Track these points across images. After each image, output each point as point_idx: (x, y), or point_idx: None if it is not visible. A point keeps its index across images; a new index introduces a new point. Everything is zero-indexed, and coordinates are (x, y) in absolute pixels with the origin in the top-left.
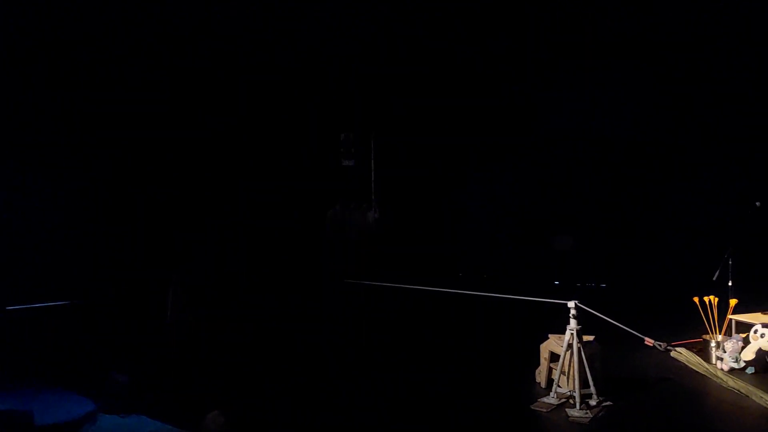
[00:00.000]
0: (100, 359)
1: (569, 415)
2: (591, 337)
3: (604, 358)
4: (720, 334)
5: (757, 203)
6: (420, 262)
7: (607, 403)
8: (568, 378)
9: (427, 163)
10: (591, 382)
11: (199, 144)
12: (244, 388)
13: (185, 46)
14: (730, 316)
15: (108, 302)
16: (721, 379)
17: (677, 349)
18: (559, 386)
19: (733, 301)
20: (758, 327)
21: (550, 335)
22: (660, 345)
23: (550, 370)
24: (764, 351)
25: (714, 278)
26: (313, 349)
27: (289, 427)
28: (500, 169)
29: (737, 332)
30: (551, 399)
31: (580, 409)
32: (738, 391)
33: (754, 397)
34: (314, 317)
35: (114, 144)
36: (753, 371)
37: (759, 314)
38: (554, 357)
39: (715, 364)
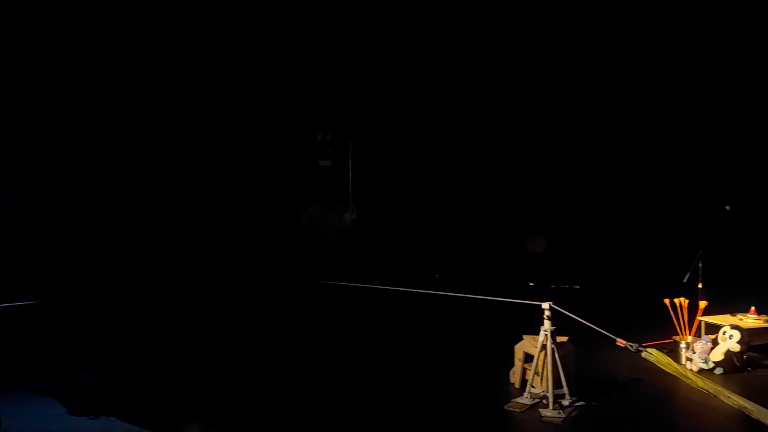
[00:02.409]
0: (68, 360)
1: (542, 415)
2: (565, 338)
3: (578, 359)
4: (690, 335)
5: (727, 207)
6: (397, 263)
7: (580, 403)
8: (541, 378)
9: (404, 165)
10: (564, 383)
11: (171, 142)
12: (219, 392)
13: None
14: (699, 318)
15: (80, 301)
16: (691, 379)
17: (648, 350)
18: (532, 387)
19: (702, 303)
20: (726, 329)
21: (524, 336)
22: (631, 346)
23: (524, 371)
24: (732, 352)
25: (684, 281)
26: (291, 351)
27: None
28: (477, 172)
29: (706, 333)
30: (525, 399)
31: (553, 409)
32: (707, 391)
33: (722, 397)
34: (291, 318)
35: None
36: (721, 372)
37: (727, 316)
38: (528, 358)
39: (685, 365)
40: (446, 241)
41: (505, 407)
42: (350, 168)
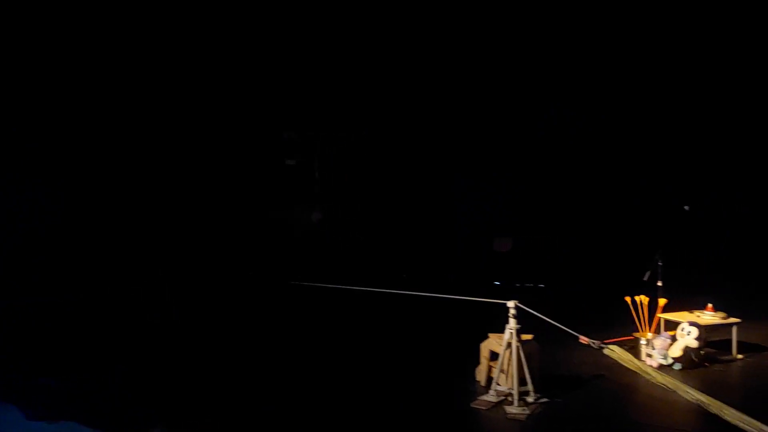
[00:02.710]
0: (28, 364)
1: (507, 412)
2: (530, 336)
3: (542, 356)
4: (650, 332)
5: (686, 207)
6: (365, 263)
7: (544, 399)
8: (507, 376)
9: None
10: (529, 380)
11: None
12: (191, 394)
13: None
14: (659, 315)
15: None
16: (651, 375)
17: (610, 346)
18: (498, 384)
19: (662, 301)
20: (685, 325)
21: (490, 334)
22: (594, 343)
23: (489, 369)
24: (690, 348)
25: (644, 279)
26: (263, 350)
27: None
28: (447, 173)
29: (666, 330)
30: (490, 397)
31: (518, 406)
32: (666, 386)
33: (680, 392)
34: (257, 318)
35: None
36: (680, 367)
37: (686, 313)
38: (494, 356)
39: (645, 361)
40: (414, 241)
41: (471, 405)
42: (317, 167)
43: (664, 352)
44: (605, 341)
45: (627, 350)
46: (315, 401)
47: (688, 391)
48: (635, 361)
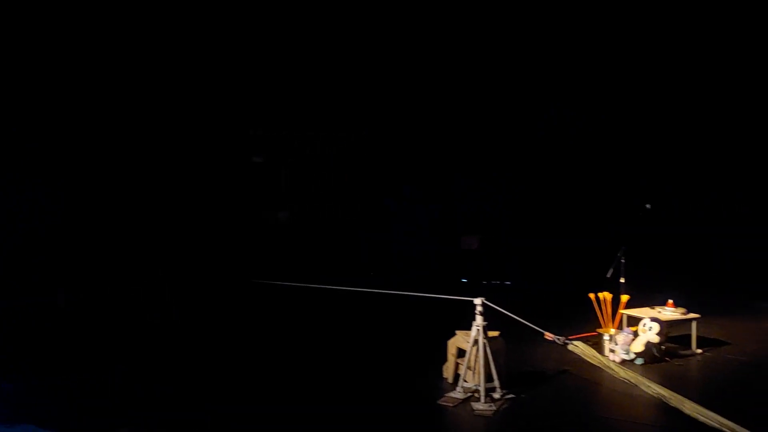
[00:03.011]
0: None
1: (474, 408)
2: (496, 333)
3: (508, 353)
4: (612, 327)
5: (647, 206)
6: (331, 261)
7: (510, 395)
8: (474, 373)
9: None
10: (495, 376)
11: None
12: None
13: None
14: (621, 311)
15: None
16: (613, 369)
17: (574, 342)
18: (465, 381)
19: (624, 297)
20: (646, 321)
21: (457, 332)
22: (559, 339)
23: (456, 366)
24: (652, 343)
25: (608, 276)
26: (222, 349)
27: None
28: (410, 172)
29: (628, 326)
30: (457, 393)
31: (484, 402)
32: (628, 380)
33: (642, 386)
34: (223, 317)
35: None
36: (642, 362)
37: (647, 309)
38: (461, 353)
39: (608, 356)
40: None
41: (438, 402)
42: (285, 166)
43: (626, 347)
44: (569, 337)
45: (590, 346)
46: (286, 399)
47: (650, 385)
48: (598, 356)
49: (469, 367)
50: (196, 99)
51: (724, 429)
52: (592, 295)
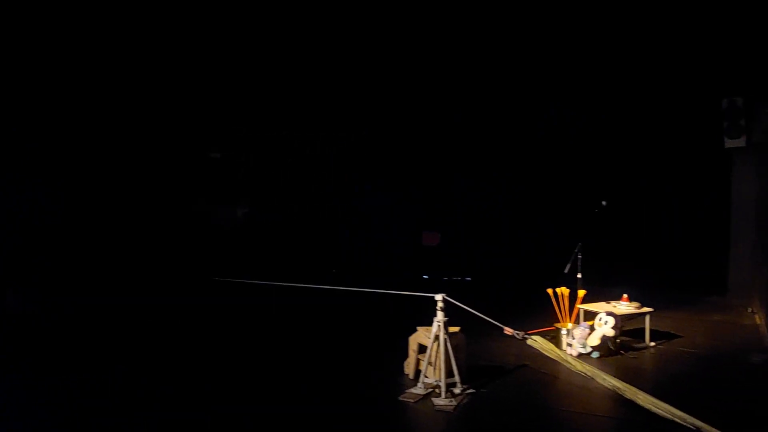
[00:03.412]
0: None
1: (435, 404)
2: (457, 329)
3: (468, 348)
4: (570, 322)
5: (603, 202)
6: (293, 258)
7: (470, 390)
8: (434, 368)
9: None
10: (456, 371)
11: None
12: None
13: None
14: (578, 306)
15: None
16: (571, 363)
17: (533, 337)
18: (426, 377)
19: (581, 292)
20: (602, 315)
21: (418, 328)
22: (518, 334)
23: (418, 362)
24: (607, 337)
25: (565, 271)
26: (179, 347)
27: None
28: (373, 170)
29: (585, 320)
30: (418, 389)
31: (445, 397)
32: (585, 373)
33: (598, 379)
34: (179, 314)
35: None
36: (598, 356)
37: (603, 303)
38: (422, 349)
39: (566, 350)
40: (342, 237)
41: (399, 398)
42: (244, 162)
43: (583, 341)
44: (528, 332)
45: (549, 340)
46: (244, 399)
47: (605, 378)
48: (556, 350)
49: (430, 363)
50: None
51: (675, 419)
52: (549, 291)
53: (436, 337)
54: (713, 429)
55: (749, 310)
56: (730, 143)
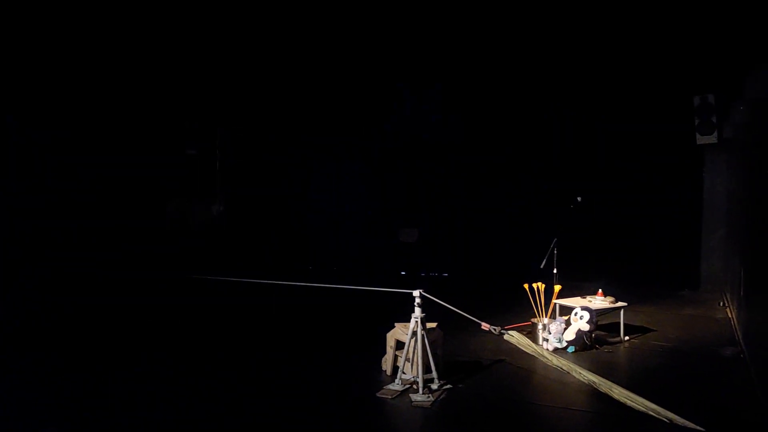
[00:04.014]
0: None
1: (412, 400)
2: (434, 324)
3: (446, 344)
4: (546, 317)
5: (578, 198)
6: (268, 255)
7: (448, 386)
8: (412, 364)
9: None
10: (433, 367)
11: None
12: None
13: None
14: (554, 301)
15: None
16: (547, 358)
17: (510, 332)
18: (404, 373)
19: (557, 287)
20: (578, 310)
21: (396, 324)
22: (495, 329)
23: (395, 358)
24: (583, 331)
25: (541, 266)
26: (156, 344)
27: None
28: (347, 168)
29: (561, 315)
30: (396, 386)
31: (422, 393)
32: (561, 368)
33: (574, 373)
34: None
35: None
36: (573, 350)
37: (578, 298)
38: (400, 345)
39: (542, 345)
40: (317, 234)
41: (377, 395)
42: (218, 159)
43: (559, 335)
44: (505, 327)
45: (525, 335)
46: (218, 391)
47: (581, 372)
48: (533, 345)
49: (407, 359)
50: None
51: (649, 412)
52: (526, 286)
53: (414, 333)
54: (686, 421)
55: (720, 303)
56: (701, 140)
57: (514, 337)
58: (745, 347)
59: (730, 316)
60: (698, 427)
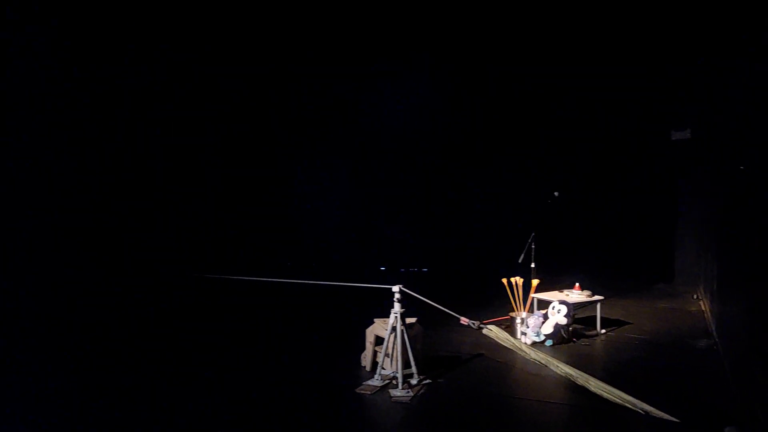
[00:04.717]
0: None
1: (392, 395)
2: (413, 320)
3: (425, 339)
4: (524, 311)
5: (556, 193)
6: (247, 252)
7: (427, 380)
8: (391, 360)
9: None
10: (412, 362)
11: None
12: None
13: None
14: (532, 295)
15: None
16: (525, 351)
17: (488, 326)
18: (383, 368)
19: (535, 282)
20: (555, 303)
21: (375, 320)
22: (473, 324)
23: (375, 354)
24: (560, 325)
25: (519, 261)
26: (135, 342)
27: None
28: (324, 163)
29: (538, 309)
30: (375, 381)
31: (402, 388)
32: (539, 361)
33: (551, 367)
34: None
35: None
36: (551, 343)
37: (556, 292)
38: (379, 340)
39: (520, 339)
40: (296, 231)
41: (356, 390)
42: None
43: (537, 329)
44: (484, 321)
45: (504, 329)
46: (196, 388)
47: (558, 365)
48: (511, 339)
49: (387, 355)
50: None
51: (625, 404)
52: (504, 280)
53: (393, 329)
54: (661, 412)
55: (694, 296)
56: (676, 136)
57: (492, 331)
58: (719, 339)
59: (703, 308)
60: (673, 418)
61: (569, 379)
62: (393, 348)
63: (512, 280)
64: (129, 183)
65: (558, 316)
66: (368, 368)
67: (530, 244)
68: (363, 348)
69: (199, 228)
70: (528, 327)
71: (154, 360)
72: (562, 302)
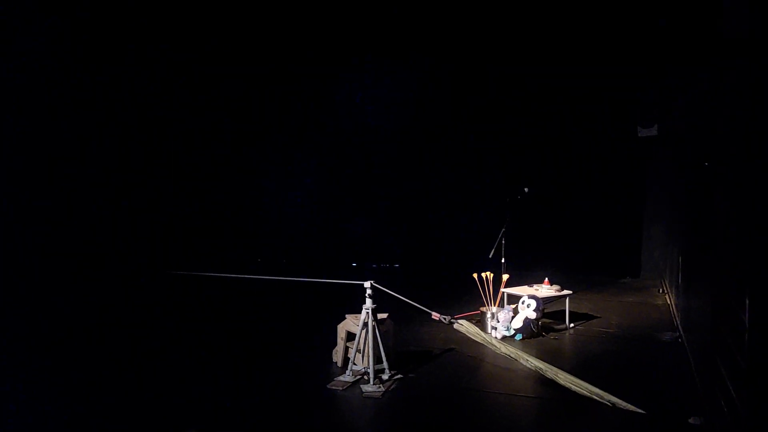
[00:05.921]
0: None
1: (363, 390)
2: (385, 315)
3: (397, 334)
4: (494, 305)
5: (526, 189)
6: (219, 249)
7: (399, 376)
8: (363, 355)
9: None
10: (384, 358)
11: None
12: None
13: None
14: (502, 290)
15: None
16: (495, 346)
17: (459, 321)
18: (355, 364)
19: (505, 276)
20: (525, 298)
21: (347, 315)
22: (445, 318)
23: (346, 350)
24: (530, 319)
25: (489, 256)
26: (114, 339)
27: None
28: (293, 158)
29: (508, 303)
30: (347, 377)
31: (373, 384)
32: (509, 355)
33: (521, 361)
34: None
35: None
36: (521, 338)
37: (526, 287)
38: (351, 336)
39: (491, 333)
40: (266, 227)
41: (328, 386)
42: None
43: (507, 324)
44: (455, 316)
45: (474, 324)
46: (170, 386)
47: (528, 359)
48: (482, 333)
49: (358, 350)
50: None
51: (593, 396)
52: (475, 275)
53: (365, 324)
54: (628, 404)
55: (660, 290)
56: (643, 132)
57: (463, 326)
58: (683, 332)
59: (669, 302)
60: (639, 410)
61: (539, 373)
62: (364, 343)
63: (483, 275)
64: (97, 180)
65: (528, 310)
66: (339, 364)
67: (500, 239)
68: (334, 344)
69: (166, 224)
70: (498, 321)
71: (118, 359)
72: (531, 297)
